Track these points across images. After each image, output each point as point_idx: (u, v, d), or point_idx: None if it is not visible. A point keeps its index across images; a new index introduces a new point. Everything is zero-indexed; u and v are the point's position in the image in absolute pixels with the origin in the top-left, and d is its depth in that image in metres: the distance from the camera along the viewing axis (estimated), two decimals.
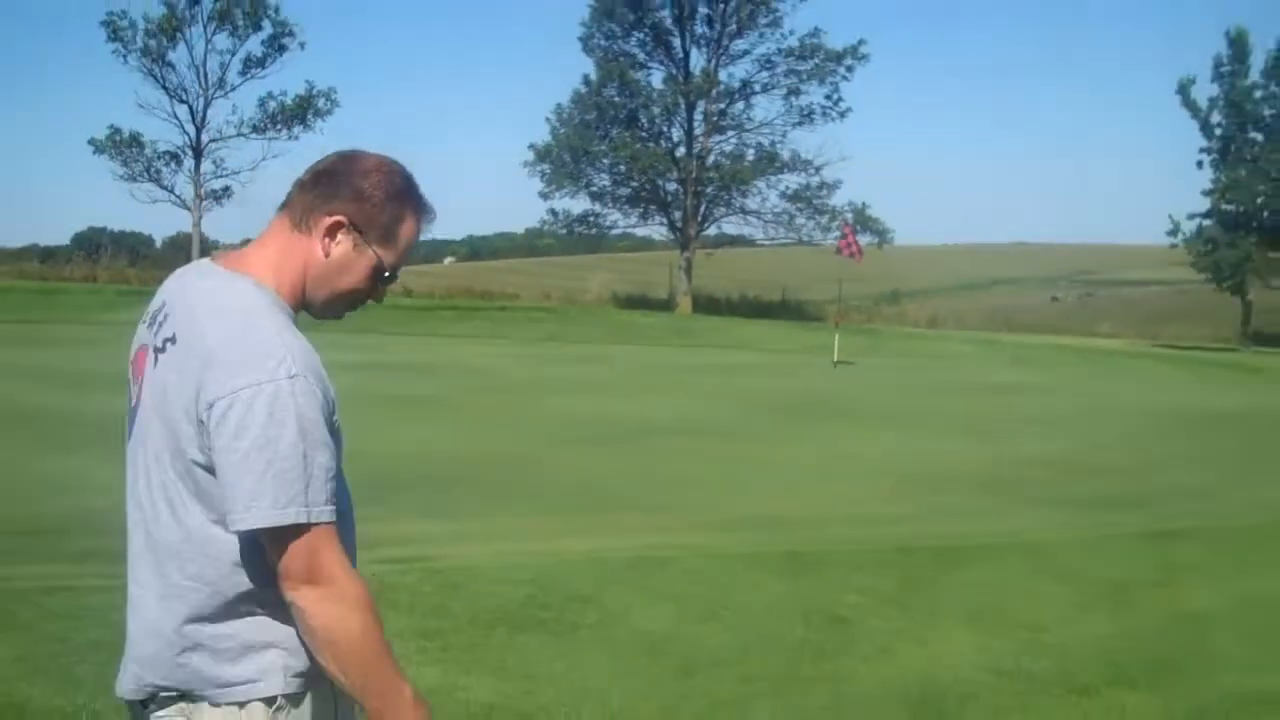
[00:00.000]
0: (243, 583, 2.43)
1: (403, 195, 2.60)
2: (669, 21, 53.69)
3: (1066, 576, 9.09)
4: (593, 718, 5.73)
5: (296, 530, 2.33)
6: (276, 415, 2.31)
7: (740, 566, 8.93)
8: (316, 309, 2.62)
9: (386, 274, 2.61)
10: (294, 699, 2.47)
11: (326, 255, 2.55)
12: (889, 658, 7.08)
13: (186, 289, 2.57)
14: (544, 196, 54.84)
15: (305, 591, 2.35)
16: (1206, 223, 50.98)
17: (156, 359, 2.51)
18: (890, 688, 6.53)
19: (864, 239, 44.47)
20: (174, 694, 2.48)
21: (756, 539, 9.92)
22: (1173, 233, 51.79)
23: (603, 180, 55.47)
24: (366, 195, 2.55)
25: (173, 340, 2.48)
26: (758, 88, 54.69)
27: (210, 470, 2.37)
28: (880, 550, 9.67)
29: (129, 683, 2.53)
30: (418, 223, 2.63)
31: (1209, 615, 8.25)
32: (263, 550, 2.39)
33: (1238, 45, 50.12)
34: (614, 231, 58.62)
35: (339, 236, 2.55)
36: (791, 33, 53.54)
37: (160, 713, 2.50)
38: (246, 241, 2.70)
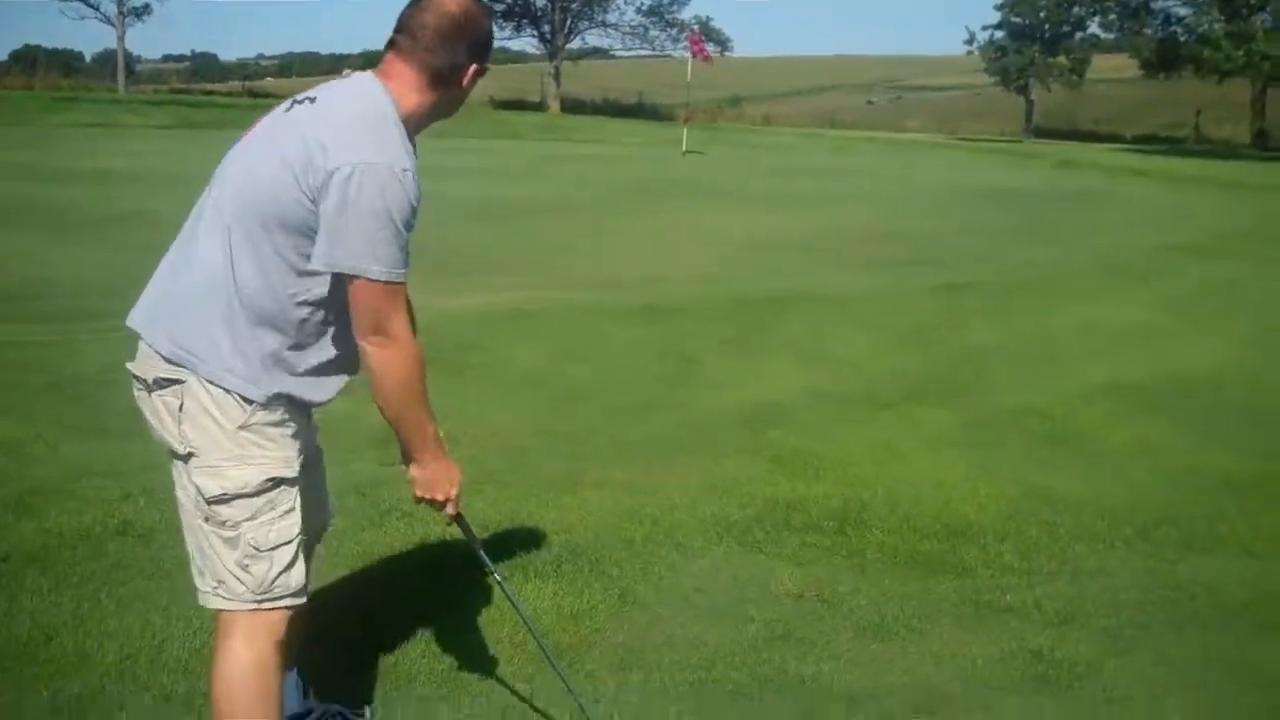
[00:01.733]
0: (283, 308, 2.51)
1: (488, 16, 2.73)
2: None
3: (873, 322, 9.28)
4: (478, 435, 5.77)
5: (379, 286, 2.44)
6: (386, 193, 2.40)
7: (603, 318, 8.95)
8: (413, 130, 2.62)
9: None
10: (269, 407, 2.56)
11: (467, 93, 2.68)
12: (729, 388, 7.20)
13: (337, 80, 2.66)
14: None
15: (372, 339, 2.49)
16: (998, 34, 51.21)
17: (292, 105, 2.59)
18: (730, 409, 6.67)
19: (709, 48, 43.88)
20: (176, 377, 2.52)
21: (617, 295, 9.93)
22: (969, 42, 52.09)
23: None
24: (488, 37, 2.67)
25: (313, 100, 2.56)
26: None
27: (306, 211, 2.43)
28: (721, 303, 9.75)
29: (161, 341, 2.54)
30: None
31: (988, 349, 8.50)
32: (314, 292, 2.50)
33: None
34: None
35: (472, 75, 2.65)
36: None
37: (160, 392, 2.55)
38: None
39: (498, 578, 3.05)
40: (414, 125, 2.61)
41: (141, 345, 2.60)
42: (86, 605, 3.78)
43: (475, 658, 3.55)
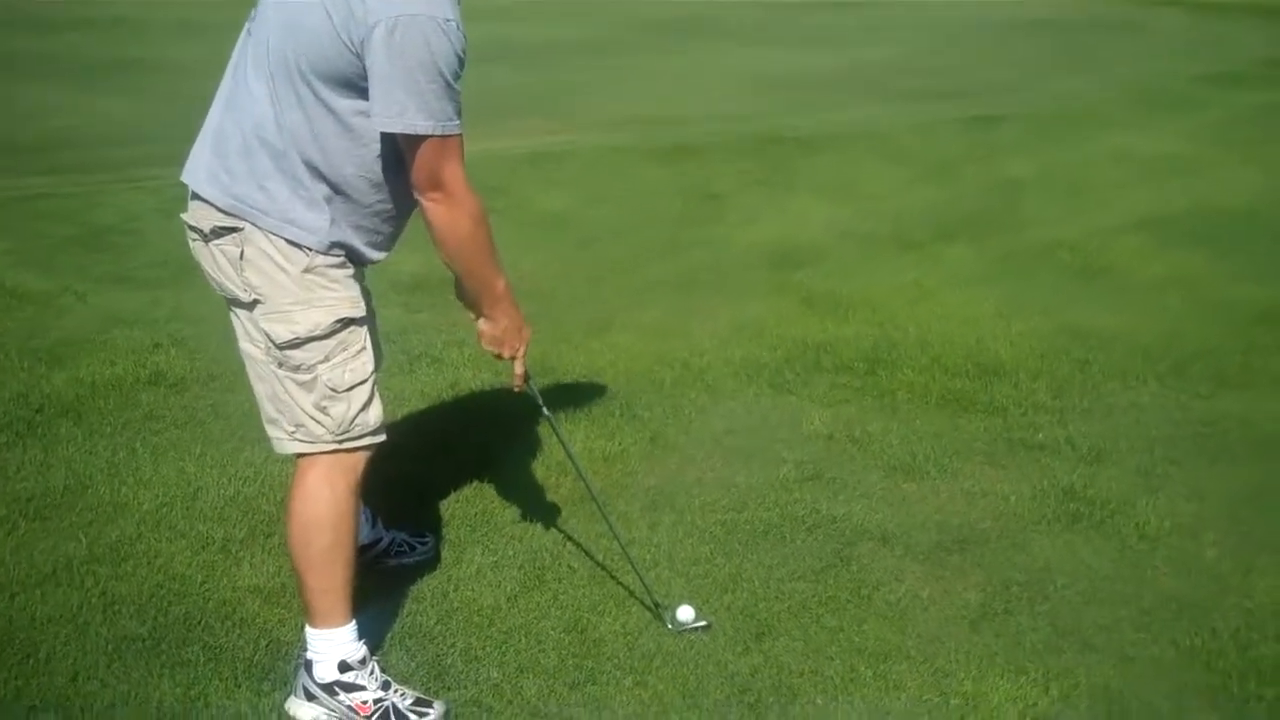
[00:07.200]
0: (333, 162, 2.43)
1: None
2: None
3: (901, 157, 9.09)
4: None
5: (432, 141, 2.34)
6: (431, 44, 2.28)
7: (626, 158, 8.80)
8: None
9: None
10: (329, 252, 2.51)
11: None
12: (756, 226, 7.10)
13: None
14: None
15: (430, 194, 2.41)
16: None
17: None
18: (757, 247, 6.58)
19: None
20: (234, 225, 2.47)
21: (640, 135, 9.74)
22: None
23: None
24: None
25: None
26: None
27: (349, 64, 2.32)
28: (748, 141, 9.56)
29: (216, 194, 2.48)
30: None
31: (1020, 183, 8.32)
32: (367, 146, 2.41)
33: None
34: None
35: None
36: None
37: (218, 241, 2.49)
38: None
39: (551, 420, 3.10)
40: None
41: (192, 198, 2.55)
42: (121, 454, 3.80)
43: (507, 501, 3.56)
